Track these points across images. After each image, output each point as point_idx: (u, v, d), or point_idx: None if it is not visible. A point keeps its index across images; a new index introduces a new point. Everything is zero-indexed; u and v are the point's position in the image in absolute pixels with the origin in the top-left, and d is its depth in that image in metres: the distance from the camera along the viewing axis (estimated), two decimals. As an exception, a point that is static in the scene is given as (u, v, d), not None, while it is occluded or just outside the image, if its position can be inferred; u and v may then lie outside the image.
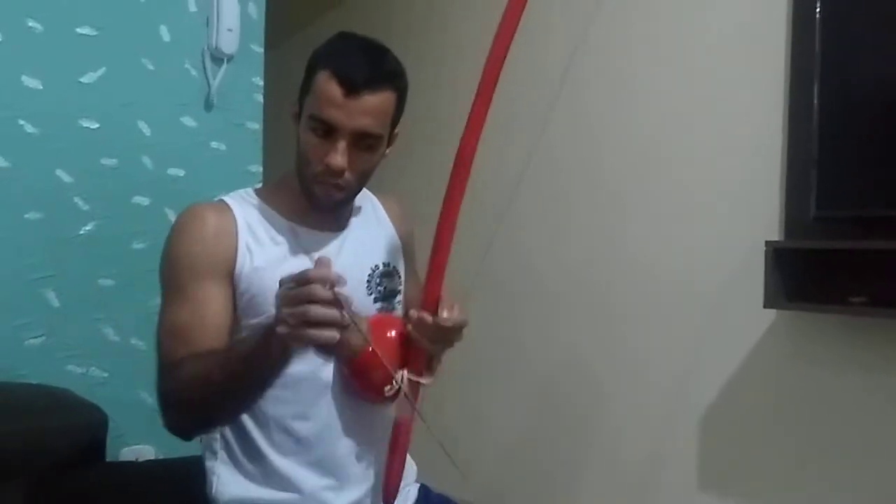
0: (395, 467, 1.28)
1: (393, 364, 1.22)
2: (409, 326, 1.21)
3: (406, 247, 1.44)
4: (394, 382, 1.20)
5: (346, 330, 0.96)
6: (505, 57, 1.19)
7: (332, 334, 0.94)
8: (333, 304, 0.94)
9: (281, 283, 0.99)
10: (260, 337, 1.04)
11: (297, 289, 0.95)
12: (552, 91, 2.24)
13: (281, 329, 0.96)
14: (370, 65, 1.18)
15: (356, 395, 1.28)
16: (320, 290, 0.93)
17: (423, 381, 1.22)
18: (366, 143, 1.20)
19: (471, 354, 2.11)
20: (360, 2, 3.23)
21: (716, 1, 1.89)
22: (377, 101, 1.18)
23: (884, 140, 1.52)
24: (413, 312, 1.21)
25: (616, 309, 2.10)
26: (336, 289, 0.94)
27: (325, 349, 0.98)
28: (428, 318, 1.18)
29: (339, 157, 1.18)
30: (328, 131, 1.18)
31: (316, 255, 0.98)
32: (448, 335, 1.22)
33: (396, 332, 1.24)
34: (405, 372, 1.21)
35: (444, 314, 1.19)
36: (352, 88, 1.15)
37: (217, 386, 1.08)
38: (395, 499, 1.30)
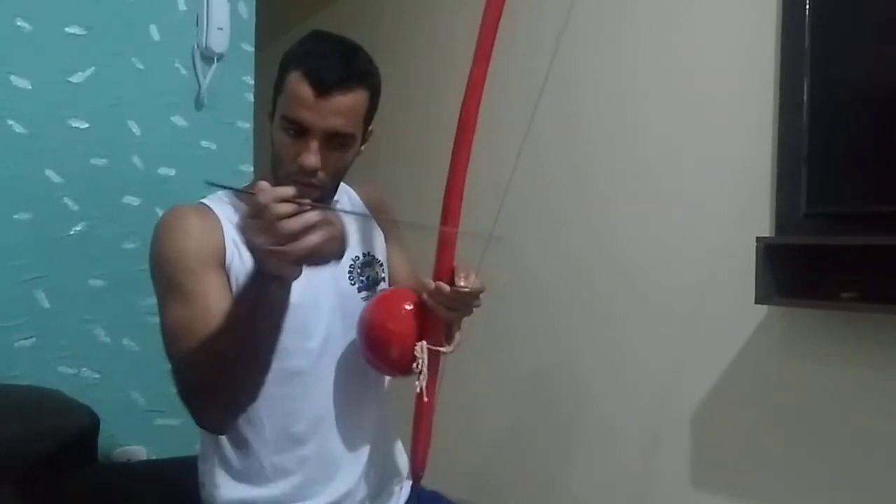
0: (422, 441, 1.28)
1: (410, 335, 1.22)
2: (426, 296, 1.21)
3: (388, 231, 1.45)
4: (415, 353, 1.20)
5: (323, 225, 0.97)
6: (501, 14, 1.19)
7: (315, 237, 0.95)
8: (298, 210, 0.95)
9: (240, 231, 0.99)
10: (250, 286, 1.04)
11: (260, 219, 0.95)
12: (539, 87, 2.24)
13: (272, 264, 0.97)
14: (341, 64, 1.18)
15: (376, 369, 1.28)
16: (279, 206, 0.94)
17: (443, 350, 1.23)
18: (338, 142, 1.20)
19: (460, 351, 2.11)
20: (350, 1, 3.23)
21: (706, -2, 1.90)
22: (349, 100, 1.18)
23: (874, 136, 1.53)
24: (429, 281, 1.21)
25: (606, 305, 2.10)
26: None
27: (316, 255, 0.98)
28: (445, 287, 1.19)
29: (311, 157, 1.18)
30: (300, 131, 1.18)
31: (258, 183, 0.99)
32: (466, 301, 1.22)
33: (412, 305, 1.24)
34: (425, 343, 1.22)
35: (462, 282, 1.19)
36: (323, 89, 1.16)
37: (229, 356, 1.07)
38: (423, 472, 1.30)
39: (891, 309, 1.45)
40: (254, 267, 1.02)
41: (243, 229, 0.98)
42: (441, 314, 1.21)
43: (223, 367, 1.07)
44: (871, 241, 1.47)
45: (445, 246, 1.21)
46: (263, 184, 0.98)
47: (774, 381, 1.73)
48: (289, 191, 0.97)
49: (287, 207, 0.95)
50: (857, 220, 1.55)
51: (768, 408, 1.74)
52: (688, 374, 1.88)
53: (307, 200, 0.97)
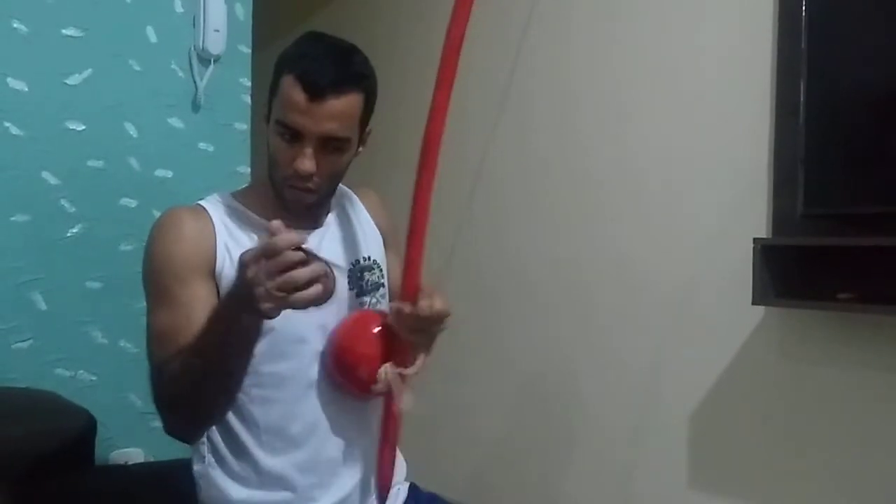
0: (387, 460, 1.28)
1: (377, 358, 1.22)
2: (389, 318, 1.21)
3: (388, 238, 1.44)
4: (379, 375, 1.21)
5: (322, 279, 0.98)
6: (462, 42, 1.20)
7: (317, 289, 0.97)
8: (308, 262, 0.96)
9: (242, 260, 0.99)
10: (225, 312, 1.05)
11: (270, 261, 0.96)
12: (534, 89, 2.24)
13: (266, 305, 0.97)
14: (334, 68, 1.17)
15: (341, 390, 1.28)
16: (294, 255, 0.95)
17: (406, 372, 1.23)
18: (333, 146, 1.20)
19: (455, 351, 2.11)
20: (348, 2, 3.22)
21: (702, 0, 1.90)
22: (342, 104, 1.17)
23: (871, 137, 1.53)
24: (393, 304, 1.22)
25: (602, 306, 2.10)
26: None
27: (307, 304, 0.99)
28: (406, 308, 1.19)
29: (306, 161, 1.18)
30: (295, 136, 1.18)
31: (273, 223, 0.99)
32: (428, 325, 1.22)
33: (379, 326, 1.25)
34: (389, 365, 1.22)
35: (423, 304, 1.19)
36: (316, 93, 1.15)
37: (200, 373, 1.08)
38: (389, 491, 1.30)
39: (888, 309, 1.46)
40: (231, 294, 1.04)
41: (248, 263, 0.98)
42: (404, 336, 1.21)
43: (192, 383, 1.09)
44: (868, 242, 1.47)
45: (412, 268, 1.21)
46: (278, 224, 0.97)
47: (772, 381, 1.73)
48: (301, 238, 0.98)
49: (298, 256, 0.95)
50: (854, 221, 1.55)
51: (766, 409, 1.74)
52: (685, 376, 1.88)
53: (312, 249, 0.99)
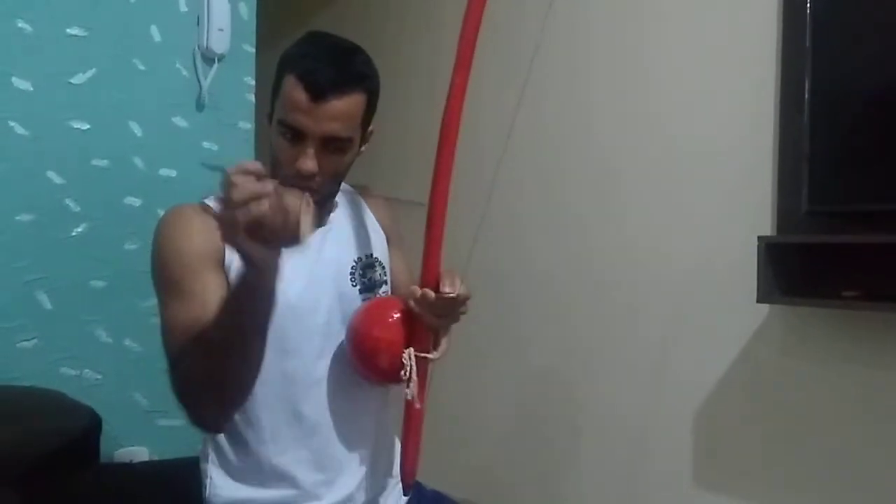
0: (411, 448, 1.28)
1: (399, 343, 1.22)
2: (412, 303, 1.21)
3: (391, 237, 1.44)
4: (403, 361, 1.20)
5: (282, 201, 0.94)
6: (478, 28, 1.19)
7: (259, 206, 0.92)
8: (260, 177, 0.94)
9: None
10: (238, 277, 1.04)
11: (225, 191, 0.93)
12: (544, 82, 2.24)
13: (232, 236, 0.94)
14: (336, 68, 1.17)
15: (361, 378, 1.28)
16: (237, 177, 0.92)
17: (430, 356, 1.22)
18: (335, 146, 1.20)
19: (466, 346, 2.11)
20: (352, 1, 3.22)
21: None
22: (344, 105, 1.17)
23: (875, 134, 1.53)
24: (415, 288, 1.21)
25: (608, 304, 2.10)
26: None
27: (272, 234, 0.94)
28: (430, 293, 1.18)
29: (308, 161, 1.18)
30: (297, 136, 1.18)
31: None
32: (452, 308, 1.21)
33: (399, 313, 1.24)
34: (412, 350, 1.22)
35: (447, 288, 1.19)
36: (318, 94, 1.15)
37: (218, 347, 1.06)
38: (413, 480, 1.30)
39: (893, 307, 1.45)
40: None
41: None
42: (427, 321, 1.21)
43: (213, 359, 1.07)
44: (873, 240, 1.47)
45: (432, 253, 1.21)
46: (244, 161, 0.96)
47: (776, 379, 1.73)
48: (257, 166, 0.95)
49: (243, 179, 0.92)
50: (858, 219, 1.55)
51: (770, 406, 1.74)
52: (690, 374, 1.88)
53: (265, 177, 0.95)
